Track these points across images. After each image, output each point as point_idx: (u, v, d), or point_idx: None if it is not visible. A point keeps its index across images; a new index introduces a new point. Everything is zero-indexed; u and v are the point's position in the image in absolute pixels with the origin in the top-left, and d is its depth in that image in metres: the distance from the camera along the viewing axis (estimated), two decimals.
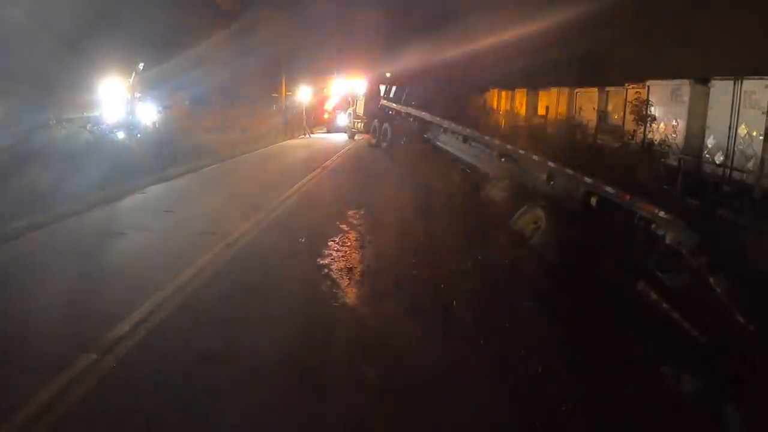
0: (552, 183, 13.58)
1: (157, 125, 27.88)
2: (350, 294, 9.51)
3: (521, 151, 15.82)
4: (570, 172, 12.88)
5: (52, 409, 5.79)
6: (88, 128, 22.74)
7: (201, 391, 6.22)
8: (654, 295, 8.88)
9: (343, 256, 11.43)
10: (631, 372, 7.19)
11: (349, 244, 12.38)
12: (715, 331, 7.90)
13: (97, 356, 6.85)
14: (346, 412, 6.08)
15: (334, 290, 9.60)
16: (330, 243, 12.27)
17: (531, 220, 12.60)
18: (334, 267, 10.72)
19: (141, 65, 26.68)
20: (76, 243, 12.20)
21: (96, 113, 24.88)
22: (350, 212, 15.22)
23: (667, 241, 9.31)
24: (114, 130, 24.09)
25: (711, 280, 8.33)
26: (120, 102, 25.60)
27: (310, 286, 9.73)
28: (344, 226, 13.79)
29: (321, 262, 11.01)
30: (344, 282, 9.97)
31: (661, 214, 9.62)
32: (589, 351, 7.69)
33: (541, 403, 6.37)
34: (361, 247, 12.23)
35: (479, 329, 8.16)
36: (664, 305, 8.65)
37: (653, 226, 9.75)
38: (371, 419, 5.97)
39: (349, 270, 10.57)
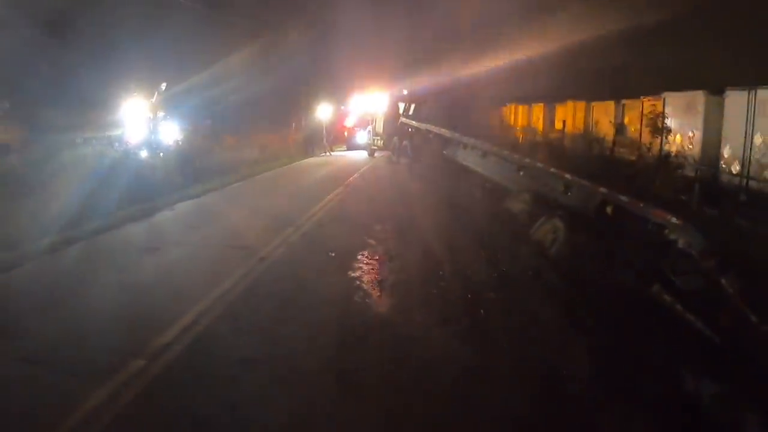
0: (569, 194, 13.90)
1: (179, 144, 28.28)
2: (382, 305, 9.79)
3: (539, 165, 16.19)
4: (585, 182, 13.24)
5: (104, 413, 6.03)
6: (114, 147, 23.24)
7: (246, 393, 6.51)
8: (668, 298, 9.16)
9: (372, 269, 11.70)
10: (649, 374, 7.44)
11: (377, 257, 12.62)
12: (729, 332, 8.16)
13: (145, 362, 7.13)
14: (380, 410, 6.37)
15: (366, 300, 9.89)
16: (359, 257, 12.50)
17: (550, 230, 12.92)
18: (364, 279, 10.98)
19: (164, 85, 27.12)
20: (113, 257, 12.46)
21: (119, 132, 25.26)
22: (376, 227, 15.46)
23: (679, 245, 9.61)
24: (137, 149, 24.53)
25: (722, 281, 8.61)
26: (142, 121, 26.00)
27: (343, 297, 9.96)
28: (371, 240, 14.04)
29: (352, 274, 11.25)
30: (375, 293, 10.27)
31: (673, 219, 9.94)
32: (608, 354, 7.98)
33: (563, 405, 6.66)
34: (390, 260, 12.46)
35: (504, 335, 8.51)
36: (678, 307, 8.92)
37: (666, 231, 10.04)
38: (404, 416, 6.26)
39: (380, 282, 10.84)
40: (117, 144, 24.25)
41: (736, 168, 18.02)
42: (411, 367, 7.36)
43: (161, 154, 25.67)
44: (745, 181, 17.46)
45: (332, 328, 8.52)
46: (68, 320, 8.63)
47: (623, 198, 11.60)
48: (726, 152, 18.61)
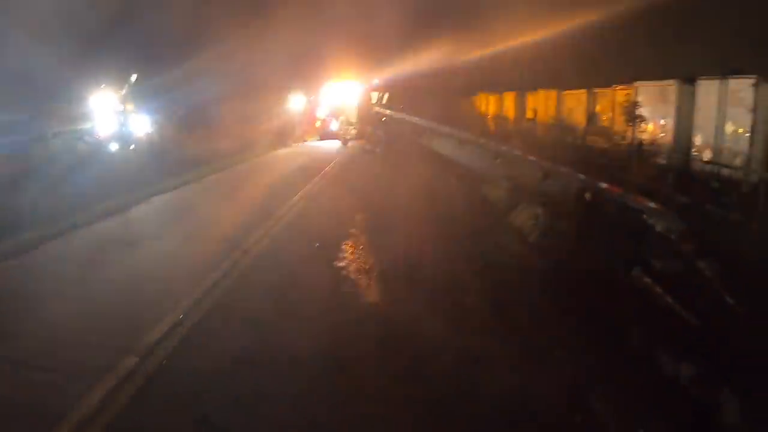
0: (547, 181, 14.09)
1: (150, 137, 28.02)
2: (370, 293, 9.95)
3: (516, 152, 16.38)
4: (564, 170, 13.44)
5: (101, 413, 5.99)
6: (84, 140, 23.00)
7: (246, 387, 6.53)
8: (648, 281, 9.38)
9: (358, 258, 11.78)
10: (630, 356, 7.74)
11: (361, 247, 12.69)
12: (707, 314, 8.38)
13: (138, 359, 7.07)
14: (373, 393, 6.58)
15: (355, 290, 10.01)
16: (343, 247, 12.56)
17: (529, 216, 13.11)
18: (351, 269, 11.07)
19: (134, 77, 26.81)
20: (92, 253, 12.18)
21: (88, 125, 24.92)
22: (357, 216, 15.53)
23: (658, 229, 9.85)
24: (107, 143, 24.28)
25: (701, 264, 8.84)
26: (112, 114, 25.70)
27: (331, 287, 10.05)
28: (353, 230, 14.11)
29: (338, 264, 11.34)
30: (363, 282, 10.38)
31: (652, 205, 10.18)
32: (591, 336, 8.20)
33: (548, 387, 6.84)
34: (374, 249, 12.54)
35: (489, 319, 8.77)
36: (658, 290, 9.14)
37: (644, 216, 10.27)
38: (402, 401, 6.44)
39: (366, 271, 10.94)
40: (87, 137, 23.94)
41: (707, 156, 18.30)
42: (405, 353, 7.50)
43: (132, 147, 25.41)
44: (716, 168, 17.73)
45: (323, 318, 8.59)
46: (53, 319, 8.46)
47: (602, 185, 11.82)
48: (698, 140, 18.88)
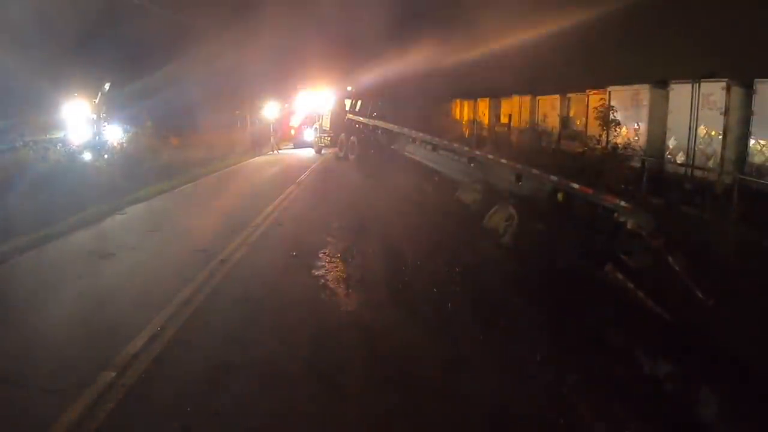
0: (520, 183, 14.11)
1: (124, 146, 27.70)
2: (349, 301, 9.79)
3: (490, 156, 16.41)
4: (536, 171, 13.48)
5: (80, 429, 5.81)
6: (58, 149, 22.69)
7: (226, 400, 6.38)
8: (620, 276, 9.43)
9: (335, 267, 11.63)
10: (609, 354, 7.72)
11: (338, 255, 12.53)
12: (678, 308, 8.42)
13: (116, 374, 6.88)
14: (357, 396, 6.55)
15: (333, 298, 9.86)
16: (321, 255, 12.40)
17: (503, 218, 13.12)
18: (329, 277, 10.91)
19: (107, 85, 26.51)
20: (67, 265, 11.96)
21: (61, 134, 24.57)
22: (333, 224, 15.37)
23: (629, 226, 9.97)
24: (80, 152, 23.96)
25: (669, 259, 8.92)
26: (85, 123, 25.37)
27: (310, 296, 9.91)
28: (330, 238, 13.93)
29: (315, 273, 11.17)
30: (341, 290, 10.24)
31: (622, 203, 10.31)
32: (568, 334, 8.22)
33: (529, 391, 6.79)
34: (351, 256, 12.42)
35: (466, 322, 8.73)
36: (630, 285, 9.19)
37: (615, 215, 10.33)
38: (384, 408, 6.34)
39: (345, 279, 10.82)
40: (60, 146, 23.62)
41: (680, 158, 18.42)
42: (384, 359, 7.44)
43: (106, 156, 25.06)
44: (690, 170, 17.86)
45: (303, 328, 8.47)
46: (29, 334, 8.26)
47: (574, 185, 11.89)
48: (671, 143, 19.01)
